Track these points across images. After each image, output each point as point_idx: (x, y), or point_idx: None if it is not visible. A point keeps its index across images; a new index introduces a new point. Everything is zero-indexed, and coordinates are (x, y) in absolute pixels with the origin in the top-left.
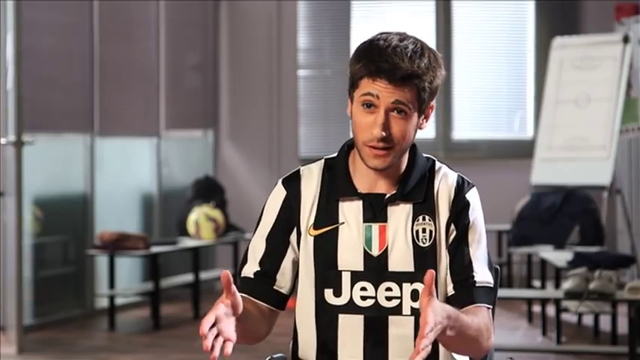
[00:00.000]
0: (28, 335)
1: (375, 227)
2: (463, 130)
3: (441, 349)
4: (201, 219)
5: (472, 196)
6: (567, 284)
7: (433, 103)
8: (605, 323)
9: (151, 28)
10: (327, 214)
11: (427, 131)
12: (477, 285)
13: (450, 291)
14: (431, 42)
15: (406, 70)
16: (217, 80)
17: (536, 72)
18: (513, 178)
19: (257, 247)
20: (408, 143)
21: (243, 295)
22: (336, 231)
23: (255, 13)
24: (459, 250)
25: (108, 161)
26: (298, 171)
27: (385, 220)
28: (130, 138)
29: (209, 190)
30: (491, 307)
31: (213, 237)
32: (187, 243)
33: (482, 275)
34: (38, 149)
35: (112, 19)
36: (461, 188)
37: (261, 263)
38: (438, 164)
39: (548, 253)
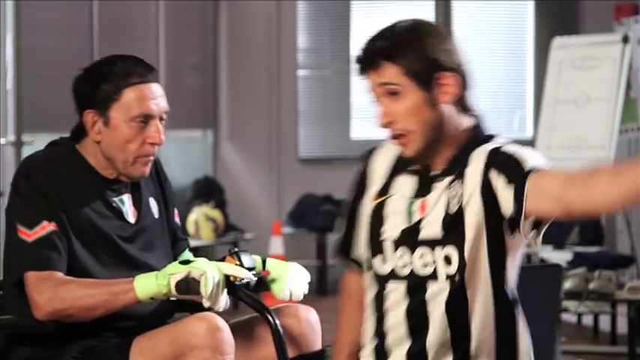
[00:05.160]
0: None
1: (418, 201)
2: None
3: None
4: (200, 219)
5: (511, 146)
6: (567, 284)
7: (450, 74)
8: (604, 323)
9: (151, 28)
10: (386, 187)
11: None
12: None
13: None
14: None
15: (372, 52)
16: (217, 80)
17: (535, 72)
18: None
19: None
20: (427, 121)
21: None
22: (386, 202)
23: (255, 13)
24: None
25: None
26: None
27: (428, 194)
28: None
29: (208, 190)
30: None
31: (212, 237)
32: None
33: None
34: (38, 149)
35: (112, 20)
36: (497, 149)
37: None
38: (494, 140)
39: (548, 253)
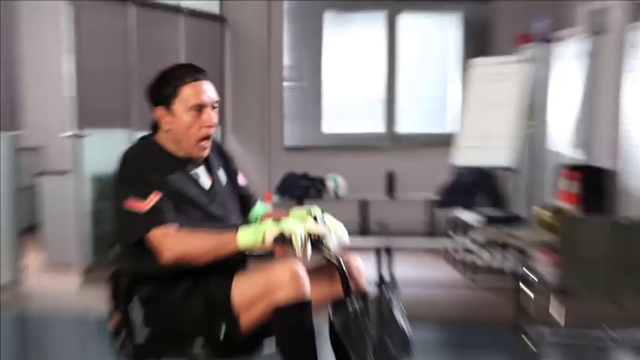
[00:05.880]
0: (89, 274)
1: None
2: (405, 125)
3: None
4: None
5: None
6: (477, 236)
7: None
8: (504, 263)
9: (174, 49)
10: None
11: (378, 126)
12: None
13: None
14: (382, 52)
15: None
16: (224, 89)
17: (461, 82)
18: (441, 161)
19: None
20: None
21: None
22: None
23: (251, 37)
24: None
25: None
26: None
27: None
28: None
29: None
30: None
31: None
32: None
33: None
34: (94, 140)
35: (146, 44)
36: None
37: None
38: None
39: (463, 214)
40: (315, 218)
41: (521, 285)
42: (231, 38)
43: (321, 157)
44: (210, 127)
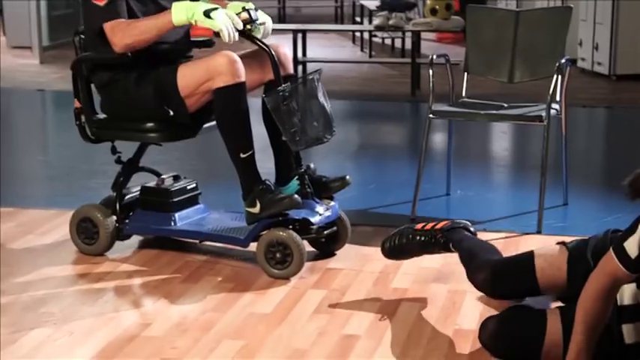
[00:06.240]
0: (47, 52)
1: None
2: None
3: None
4: None
5: None
6: (376, 21)
7: None
8: (398, 43)
9: None
10: None
11: None
12: None
13: None
14: None
15: None
16: None
17: None
18: None
19: None
20: None
21: None
22: None
23: None
24: None
25: None
26: None
27: None
28: None
29: None
30: None
31: None
32: None
33: None
34: None
35: None
36: None
37: None
38: None
39: (365, 1)
40: (248, 12)
41: (417, 61)
42: None
43: None
44: None
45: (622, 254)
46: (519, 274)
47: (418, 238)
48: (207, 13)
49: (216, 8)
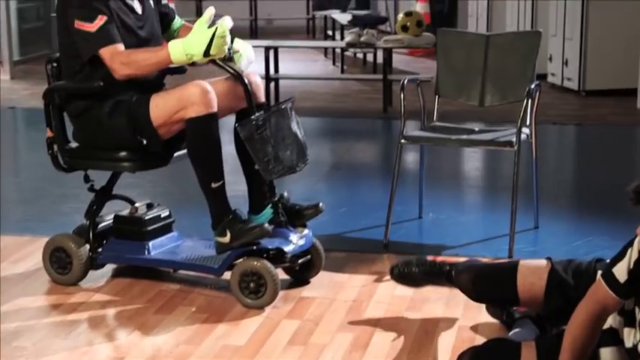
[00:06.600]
0: (17, 67)
1: None
2: None
3: None
4: None
5: None
6: (348, 38)
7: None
8: (370, 57)
9: None
10: None
11: None
12: None
13: None
14: None
15: None
16: None
17: None
18: None
19: None
20: None
21: None
22: None
23: None
24: None
25: None
26: None
27: None
28: None
29: None
30: None
31: None
32: None
33: None
34: None
35: None
36: None
37: None
38: None
39: (337, 15)
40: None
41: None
42: None
43: None
44: None
45: (611, 280)
46: (501, 279)
47: (423, 267)
48: (206, 53)
49: (210, 41)
